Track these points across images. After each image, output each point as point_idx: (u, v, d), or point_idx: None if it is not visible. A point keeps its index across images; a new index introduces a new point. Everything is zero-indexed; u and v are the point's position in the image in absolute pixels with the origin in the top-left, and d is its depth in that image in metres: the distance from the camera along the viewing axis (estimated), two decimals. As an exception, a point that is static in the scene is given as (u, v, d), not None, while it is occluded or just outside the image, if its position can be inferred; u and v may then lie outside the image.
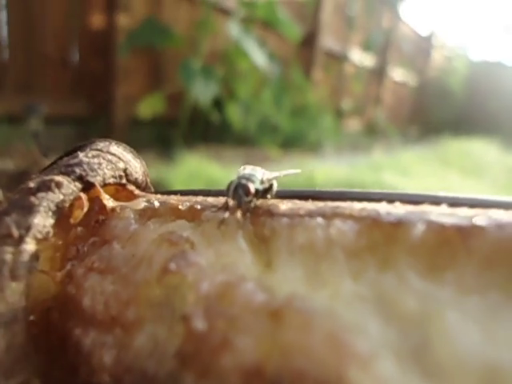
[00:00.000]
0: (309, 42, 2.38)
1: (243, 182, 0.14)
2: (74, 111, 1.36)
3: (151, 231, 0.14)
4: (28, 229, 0.13)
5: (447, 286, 0.10)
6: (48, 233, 0.13)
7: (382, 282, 0.11)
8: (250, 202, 0.14)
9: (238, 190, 0.13)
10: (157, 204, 0.16)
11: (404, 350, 0.09)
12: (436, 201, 0.13)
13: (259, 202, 0.14)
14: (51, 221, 0.14)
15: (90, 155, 0.17)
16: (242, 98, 1.76)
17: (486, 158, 2.40)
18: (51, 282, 0.14)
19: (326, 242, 0.12)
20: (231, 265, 0.12)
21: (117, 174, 0.17)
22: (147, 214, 0.16)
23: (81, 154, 0.16)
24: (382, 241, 0.11)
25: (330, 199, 0.14)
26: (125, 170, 0.18)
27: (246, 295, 0.11)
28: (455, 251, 0.11)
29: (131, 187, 0.18)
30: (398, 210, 0.12)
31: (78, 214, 0.15)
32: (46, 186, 0.14)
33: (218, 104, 1.60)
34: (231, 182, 0.14)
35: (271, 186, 0.15)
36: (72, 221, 0.15)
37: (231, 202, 0.14)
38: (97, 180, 0.16)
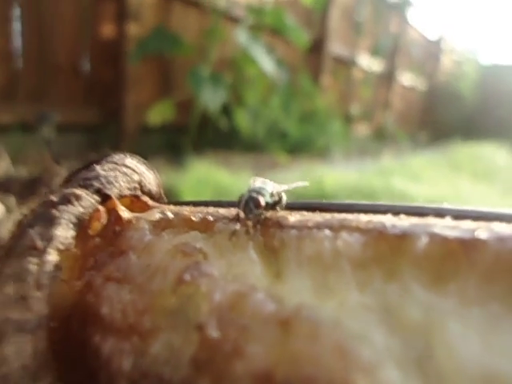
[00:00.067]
0: (317, 47, 2.39)
1: (254, 195, 0.14)
2: (86, 119, 1.39)
3: (165, 242, 0.15)
4: (50, 240, 0.13)
5: (450, 298, 0.10)
6: (69, 244, 0.14)
7: (387, 292, 0.11)
8: (260, 214, 0.14)
9: (249, 203, 0.14)
10: (170, 215, 0.17)
11: (407, 358, 0.10)
12: (441, 213, 0.14)
13: (269, 213, 0.15)
14: (72, 232, 0.14)
15: (106, 168, 0.18)
16: (251, 105, 1.77)
17: (497, 162, 2.37)
18: (71, 290, 0.14)
19: (333, 253, 0.12)
20: (242, 275, 0.13)
21: (132, 185, 0.18)
22: (161, 225, 0.16)
23: (98, 167, 0.17)
24: (388, 253, 0.12)
25: (338, 211, 0.15)
26: (139, 182, 0.19)
27: (256, 305, 0.11)
28: (458, 263, 0.11)
29: (145, 198, 0.19)
30: (403, 222, 0.13)
31: (97, 226, 0.15)
32: (66, 200, 0.14)
33: (226, 111, 1.62)
34: (242, 195, 0.15)
35: (280, 198, 0.15)
36: (91, 232, 0.15)
37: (242, 214, 0.14)
38: (113, 192, 0.16)
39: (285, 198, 0.16)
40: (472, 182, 1.73)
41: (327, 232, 0.13)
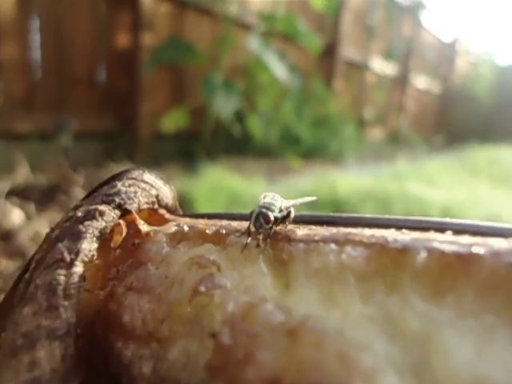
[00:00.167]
0: (329, 52, 2.40)
1: (263, 210, 0.15)
2: (102, 127, 1.43)
3: (182, 254, 0.16)
4: (77, 253, 0.14)
5: (447, 310, 0.11)
6: (93, 256, 0.15)
7: (388, 304, 0.12)
8: (270, 228, 0.15)
9: (259, 218, 0.15)
10: (186, 228, 0.18)
11: (405, 366, 0.10)
12: (442, 227, 0.15)
13: (278, 228, 0.16)
14: (95, 245, 0.15)
15: (126, 184, 0.19)
16: (263, 111, 1.79)
17: (516, 166, 2.33)
18: (95, 299, 0.16)
19: (338, 266, 0.13)
20: (253, 287, 0.13)
21: (150, 200, 0.19)
22: (177, 238, 0.17)
23: (119, 184, 0.18)
24: (390, 266, 0.13)
25: (343, 225, 0.16)
26: (157, 196, 0.20)
27: (266, 315, 0.12)
28: (455, 277, 0.12)
29: (162, 211, 0.20)
30: (405, 236, 0.13)
31: (118, 239, 0.16)
32: (91, 215, 0.16)
33: (239, 117, 1.64)
34: (253, 211, 0.16)
35: (289, 213, 0.16)
36: (112, 245, 0.16)
37: (253, 228, 0.15)
38: (133, 207, 0.18)
39: (293, 213, 0.17)
40: (490, 186, 1.70)
41: (333, 246, 0.14)
